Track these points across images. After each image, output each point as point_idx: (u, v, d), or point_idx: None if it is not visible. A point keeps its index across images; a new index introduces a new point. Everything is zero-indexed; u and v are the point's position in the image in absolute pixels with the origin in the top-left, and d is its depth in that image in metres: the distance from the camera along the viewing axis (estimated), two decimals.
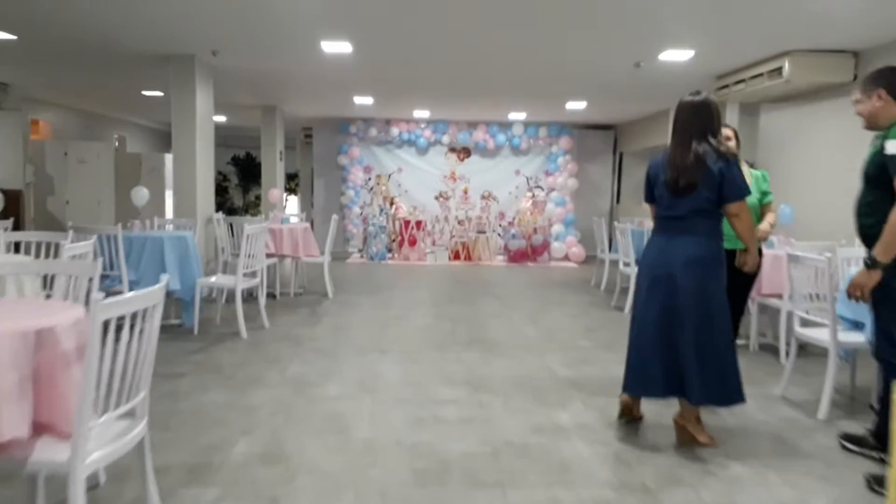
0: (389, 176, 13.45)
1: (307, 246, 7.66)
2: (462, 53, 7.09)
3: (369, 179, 13.24)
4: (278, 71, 8.15)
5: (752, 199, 3.84)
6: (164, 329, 5.66)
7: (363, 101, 10.63)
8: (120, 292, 5.18)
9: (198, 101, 7.32)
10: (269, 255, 7.31)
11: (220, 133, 16.97)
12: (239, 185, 16.69)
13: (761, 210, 3.93)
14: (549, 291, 8.67)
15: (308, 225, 7.94)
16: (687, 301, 3.21)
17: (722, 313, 3.24)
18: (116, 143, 13.55)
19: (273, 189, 8.34)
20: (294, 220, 8.89)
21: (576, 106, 10.81)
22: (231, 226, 7.35)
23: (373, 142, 13.36)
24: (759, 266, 3.49)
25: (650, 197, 3.51)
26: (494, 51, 6.95)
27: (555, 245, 12.18)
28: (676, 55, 6.69)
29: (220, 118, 13.91)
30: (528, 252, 11.87)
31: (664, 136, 11.52)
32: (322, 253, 7.78)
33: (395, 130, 13.07)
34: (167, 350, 4.95)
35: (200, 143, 7.45)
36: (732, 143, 3.92)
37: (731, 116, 8.61)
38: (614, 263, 8.61)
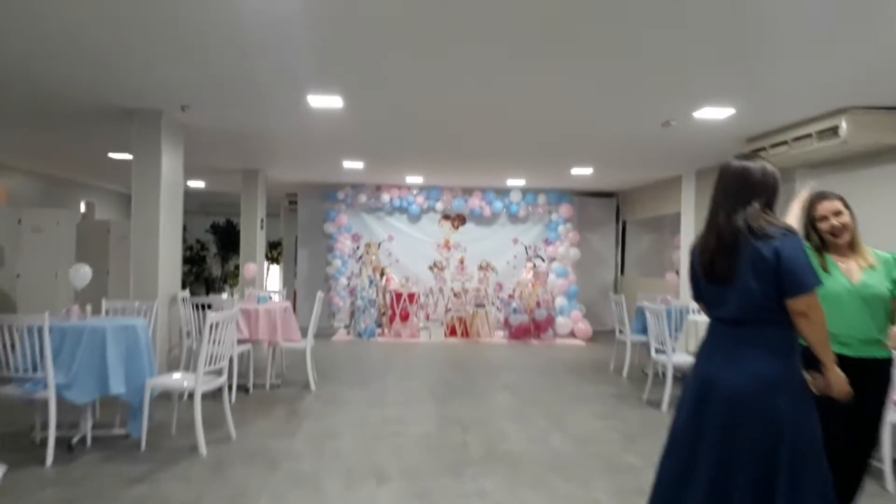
0: (379, 244, 12.52)
1: (287, 329, 6.60)
2: (462, 114, 6.29)
3: (357, 248, 12.30)
4: (259, 130, 7.28)
5: (881, 288, 2.89)
6: (105, 443, 4.53)
7: (353, 165, 9.79)
8: (45, 399, 4.08)
9: (164, 163, 6.39)
10: (241, 341, 6.25)
11: (200, 199, 16.15)
12: (218, 254, 15.67)
13: (893, 305, 2.94)
14: (565, 378, 7.63)
15: (289, 304, 6.90)
16: (749, 445, 2.27)
17: (810, 467, 2.25)
18: (84, 210, 12.54)
19: (249, 264, 7.34)
20: (275, 297, 7.88)
21: (582, 172, 10.04)
22: (199, 307, 6.29)
23: (362, 208, 12.48)
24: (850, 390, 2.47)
25: (698, 292, 2.61)
26: (498, 112, 6.16)
27: (559, 320, 11.19)
28: (713, 113, 5.91)
29: (199, 183, 13.02)
30: (530, 328, 10.87)
31: (670, 205, 10.76)
32: (305, 336, 6.72)
33: (385, 197, 12.22)
34: (101, 477, 3.82)
35: (166, 212, 6.48)
36: (845, 219, 2.98)
37: None
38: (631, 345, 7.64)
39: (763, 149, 6.86)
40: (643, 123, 6.48)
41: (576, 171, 9.99)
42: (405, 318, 10.87)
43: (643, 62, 4.59)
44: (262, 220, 11.03)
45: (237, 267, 15.24)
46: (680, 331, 6.79)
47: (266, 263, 15.78)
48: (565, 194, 12.47)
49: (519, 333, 10.80)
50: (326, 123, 6.70)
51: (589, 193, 12.96)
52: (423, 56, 4.62)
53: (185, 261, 15.36)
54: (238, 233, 15.69)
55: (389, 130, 7.20)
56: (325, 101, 5.81)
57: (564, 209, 12.34)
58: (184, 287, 7.11)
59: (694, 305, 6.83)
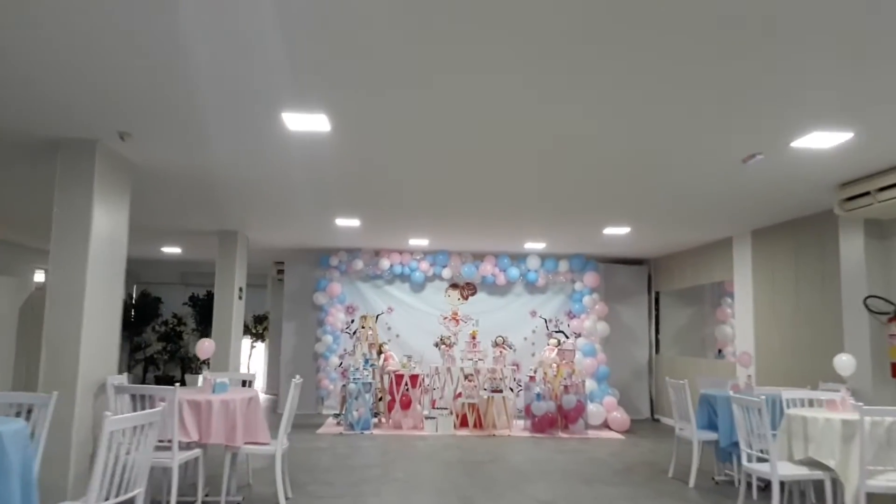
0: (377, 317, 10.91)
1: (251, 427, 4.94)
2: (474, 161, 4.85)
3: (352, 322, 10.67)
4: (228, 169, 5.83)
5: None
6: None
7: (348, 223, 8.32)
8: None
9: (96, 209, 4.88)
10: (189, 445, 4.59)
11: (178, 269, 14.67)
12: (196, 329, 14.02)
13: None
14: (615, 490, 5.86)
15: (255, 394, 5.24)
16: None
17: None
18: (41, 280, 11.00)
19: (205, 340, 5.72)
20: (256, 384, 6.25)
21: (616, 231, 8.56)
22: (140, 398, 4.66)
23: (358, 276, 10.94)
24: None
25: None
26: (522, 151, 4.72)
27: (590, 408, 9.44)
28: (821, 140, 4.45)
29: (175, 249, 11.54)
30: (557, 418, 9.11)
31: (715, 272, 9.24)
32: (277, 436, 5.05)
33: (385, 263, 10.71)
34: None
35: (96, 274, 4.92)
36: None
37: (848, 240, 6.32)
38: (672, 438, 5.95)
39: (864, 194, 5.39)
40: (718, 158, 5.02)
41: (610, 230, 8.51)
42: (407, 405, 9.13)
43: (739, 68, 3.16)
44: (240, 290, 9.47)
45: None
46: (774, 428, 5.11)
47: (250, 341, 14.11)
48: (590, 261, 10.96)
49: (543, 425, 9.04)
50: (310, 156, 5.25)
51: (617, 260, 11.45)
52: (422, 86, 3.21)
53: (161, 337, 13.68)
54: None
55: (388, 172, 5.74)
56: (306, 122, 4.37)
57: (589, 277, 10.79)
58: (150, 369, 5.44)
59: (793, 394, 5.18)
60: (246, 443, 4.87)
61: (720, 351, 10.13)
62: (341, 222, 8.28)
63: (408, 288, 11.05)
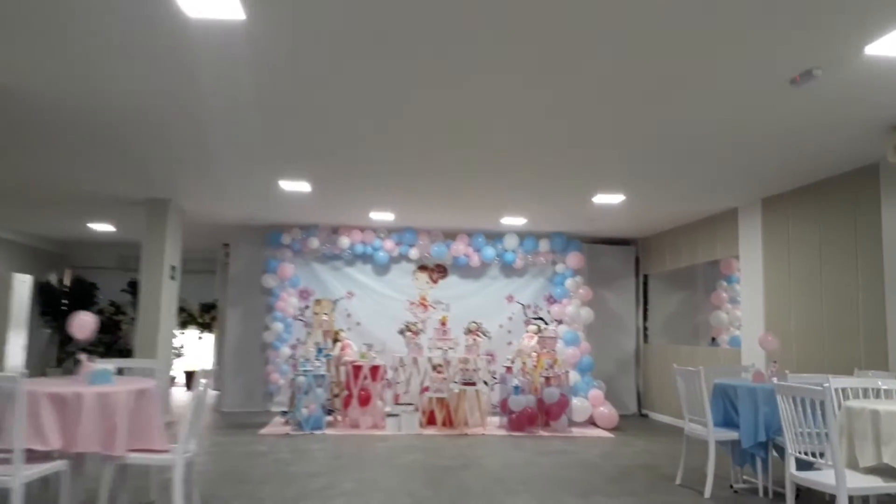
0: (335, 303, 9.65)
1: (139, 430, 3.70)
2: (445, 100, 3.66)
3: (306, 308, 9.42)
4: (122, 98, 4.56)
5: None
6: None
7: (296, 188, 7.08)
8: None
9: None
10: (51, 454, 3.35)
11: (115, 251, 13.17)
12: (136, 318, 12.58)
13: None
14: (617, 502, 4.73)
15: (150, 386, 3.97)
16: None
17: None
18: None
19: (80, 315, 4.39)
20: (161, 373, 5.02)
21: (607, 200, 7.45)
22: None
23: (314, 257, 9.69)
24: None
25: None
26: (499, 84, 3.54)
27: (575, 403, 8.33)
28: None
29: (106, 227, 10.16)
30: (537, 414, 7.98)
31: (711, 250, 8.23)
32: (181, 442, 3.81)
33: (344, 241, 9.47)
34: None
35: None
36: None
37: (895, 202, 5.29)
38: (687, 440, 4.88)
39: None
40: (755, 78, 3.90)
41: (601, 199, 7.40)
42: (365, 400, 7.92)
43: None
44: (172, 268, 8.16)
45: None
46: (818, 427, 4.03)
47: (197, 332, 12.76)
48: (573, 240, 9.86)
49: (522, 422, 7.90)
50: (224, 68, 4.02)
51: (602, 241, 10.37)
52: None
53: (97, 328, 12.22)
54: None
55: (333, 100, 4.53)
56: (211, 5, 3.14)
57: (572, 258, 9.69)
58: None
59: (844, 382, 4.09)
60: (132, 450, 3.62)
61: (714, 339, 9.10)
62: (288, 186, 7.04)
63: (370, 270, 9.84)
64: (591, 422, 8.52)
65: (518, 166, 6.17)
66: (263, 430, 7.65)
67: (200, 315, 12.76)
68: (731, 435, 5.01)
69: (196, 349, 12.91)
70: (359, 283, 9.76)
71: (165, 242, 7.89)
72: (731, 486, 5.17)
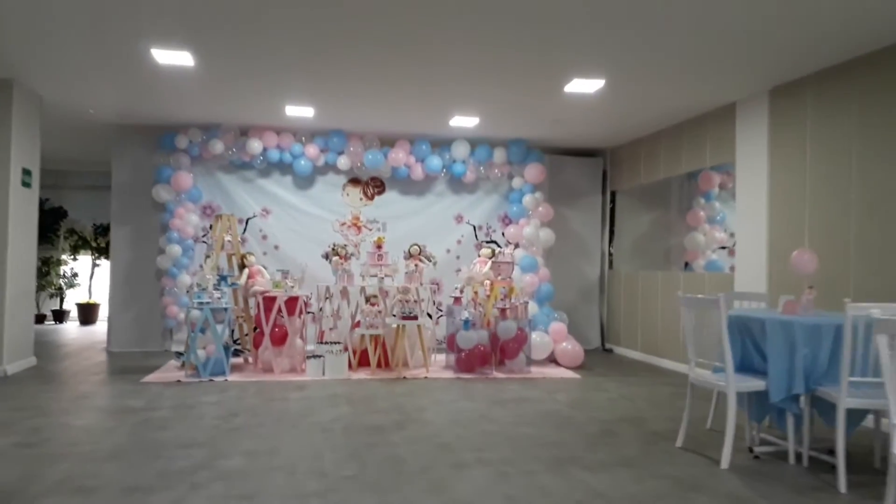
0: (247, 222, 7.99)
1: None
2: None
3: (211, 227, 7.71)
4: None
5: None
6: None
7: (172, 59, 5.27)
8: None
9: None
10: None
11: None
12: None
13: None
14: (612, 482, 3.41)
15: None
16: None
17: None
18: None
19: None
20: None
21: (583, 88, 5.93)
22: None
23: (218, 165, 7.92)
24: None
25: None
26: None
27: (534, 338, 7.02)
28: None
29: None
30: (490, 353, 6.64)
31: (698, 157, 6.91)
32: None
33: (255, 145, 7.71)
34: None
35: None
36: None
37: None
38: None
39: None
40: None
41: (576, 86, 5.87)
42: (280, 339, 6.40)
43: None
44: (24, 172, 6.29)
45: (46, 261, 10.32)
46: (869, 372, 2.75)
47: (91, 258, 10.87)
48: (533, 150, 8.37)
49: (472, 361, 6.55)
50: None
51: (565, 151, 8.92)
52: None
53: None
54: (48, 212, 10.75)
55: None
56: None
57: (532, 171, 8.23)
58: None
59: None
60: None
61: (687, 264, 7.90)
62: (163, 58, 5.22)
63: (290, 182, 8.15)
64: (552, 360, 7.27)
65: (475, 43, 4.57)
66: (149, 377, 6.06)
67: (95, 238, 10.83)
68: (756, 384, 3.72)
69: (94, 278, 11.02)
70: (276, 199, 8.07)
71: (11, 137, 5.98)
72: (751, 450, 3.92)
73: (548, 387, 6.03)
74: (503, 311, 6.69)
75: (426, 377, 6.36)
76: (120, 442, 3.92)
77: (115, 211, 7.84)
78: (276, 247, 8.03)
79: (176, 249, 7.53)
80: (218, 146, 7.59)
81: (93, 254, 10.86)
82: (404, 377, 6.32)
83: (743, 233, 6.28)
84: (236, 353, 6.97)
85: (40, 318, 10.62)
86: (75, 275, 11.00)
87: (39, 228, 10.52)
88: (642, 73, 5.57)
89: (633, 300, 8.20)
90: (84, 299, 10.74)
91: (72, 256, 10.98)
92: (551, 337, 7.25)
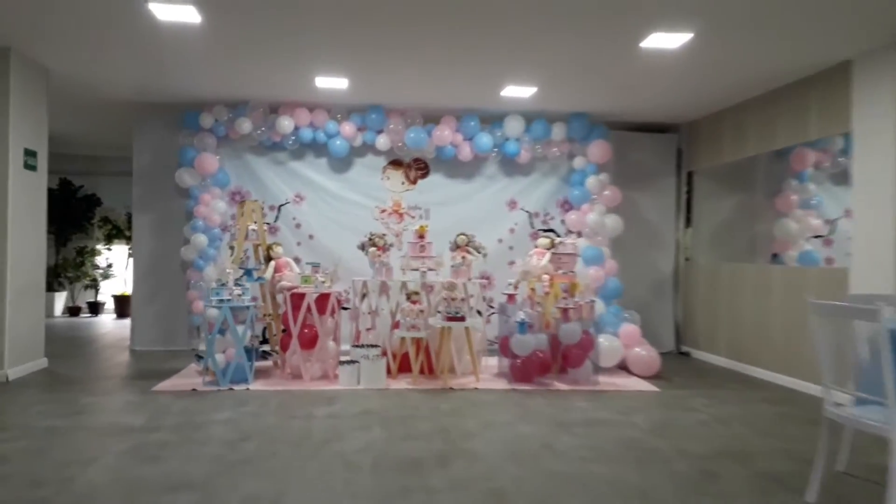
0: (279, 209, 7.25)
1: None
2: None
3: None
4: None
5: None
6: None
7: (173, 13, 4.48)
8: None
9: None
10: None
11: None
12: (50, 231, 10.14)
13: None
14: None
15: None
16: None
17: None
18: None
19: None
20: None
21: (665, 42, 4.90)
22: None
23: (247, 146, 7.19)
24: None
25: None
26: None
27: (601, 342, 6.04)
28: None
29: None
30: (550, 359, 5.70)
31: (802, 128, 5.76)
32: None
33: (286, 124, 6.93)
34: None
35: None
36: None
37: None
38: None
39: None
40: None
41: (656, 40, 4.85)
42: (309, 342, 5.61)
43: None
44: (27, 153, 5.65)
45: (81, 251, 9.84)
46: None
47: (127, 248, 10.36)
48: (598, 125, 7.34)
49: (530, 370, 5.63)
50: None
51: (635, 127, 7.85)
52: None
53: None
54: (85, 199, 10.28)
55: None
56: None
57: (596, 150, 7.21)
58: None
59: None
60: None
61: (776, 255, 6.76)
62: (163, 11, 4.44)
63: (325, 165, 7.35)
64: (624, 367, 6.28)
65: None
66: (163, 384, 5.36)
67: (128, 227, 10.31)
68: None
69: (129, 269, 10.52)
70: (310, 183, 7.29)
71: (9, 114, 5.34)
72: None
73: (621, 403, 5.06)
74: (565, 311, 5.73)
75: (475, 388, 5.48)
76: (94, 481, 3.17)
77: (136, 197, 7.20)
78: (311, 236, 7.26)
79: (201, 239, 6.84)
80: (245, 125, 6.84)
81: (127, 243, 10.36)
82: (450, 387, 5.45)
83: (862, 219, 5.15)
84: (265, 356, 6.23)
85: (75, 311, 10.18)
86: (110, 265, 10.53)
87: (74, 217, 10.20)
88: (738, 26, 4.52)
89: (715, 297, 7.12)
90: (119, 291, 10.25)
91: (106, 246, 10.50)
92: (622, 341, 6.26)
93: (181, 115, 6.96)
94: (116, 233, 10.37)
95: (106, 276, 10.55)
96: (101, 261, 10.51)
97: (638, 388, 5.62)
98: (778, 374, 5.96)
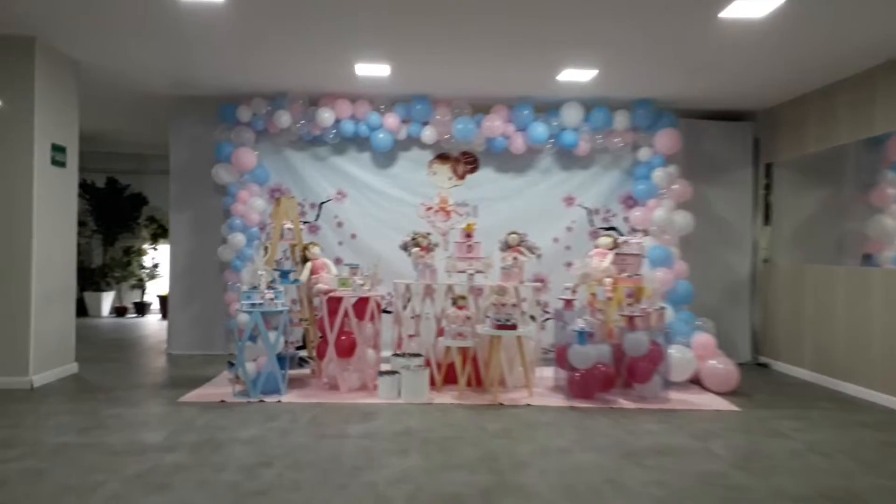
0: (320, 207, 6.86)
1: None
2: None
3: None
4: None
5: None
6: None
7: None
8: None
9: None
10: None
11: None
12: (97, 231, 10.08)
13: None
14: None
15: None
16: None
17: None
18: None
19: None
20: None
21: (746, 11, 4.24)
22: None
23: (286, 140, 6.81)
24: None
25: None
26: None
27: (673, 354, 5.38)
28: None
29: None
30: (613, 373, 5.08)
31: (875, 121, 4.94)
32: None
33: (326, 116, 6.52)
34: None
35: None
36: None
37: None
38: None
39: None
40: None
41: (737, 9, 4.20)
42: (347, 350, 5.16)
43: None
44: (56, 149, 5.39)
45: (128, 251, 9.73)
46: None
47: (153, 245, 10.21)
48: (666, 113, 6.67)
49: (590, 385, 5.03)
50: None
51: (706, 114, 7.13)
52: None
53: None
54: (132, 198, 10.17)
55: None
56: None
57: (664, 140, 6.55)
58: None
59: None
60: None
61: (868, 256, 5.94)
62: None
63: (368, 160, 6.91)
64: (697, 381, 5.61)
65: None
66: (192, 394, 5.01)
67: (149, 224, 10.18)
68: None
69: None
70: (352, 179, 6.87)
71: (34, 108, 5.08)
72: None
73: (696, 425, 4.42)
74: (631, 318, 5.11)
75: (528, 404, 4.92)
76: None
77: (174, 195, 6.93)
78: (353, 235, 6.84)
79: (239, 239, 6.50)
80: (284, 118, 6.47)
81: (151, 238, 10.23)
82: (500, 403, 4.91)
83: None
84: (302, 363, 5.83)
85: (122, 311, 10.08)
86: (156, 265, 10.40)
87: (121, 216, 10.10)
88: None
89: (798, 302, 6.35)
90: (164, 291, 10.09)
91: (152, 245, 10.38)
92: (694, 352, 5.58)
93: (218, 109, 6.64)
94: (162, 232, 10.22)
95: (152, 276, 10.43)
96: (147, 260, 10.39)
97: (714, 407, 4.95)
98: (878, 393, 5.20)
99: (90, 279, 9.98)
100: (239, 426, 4.16)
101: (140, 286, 10.33)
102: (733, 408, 4.94)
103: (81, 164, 10.29)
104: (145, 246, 10.41)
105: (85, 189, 9.85)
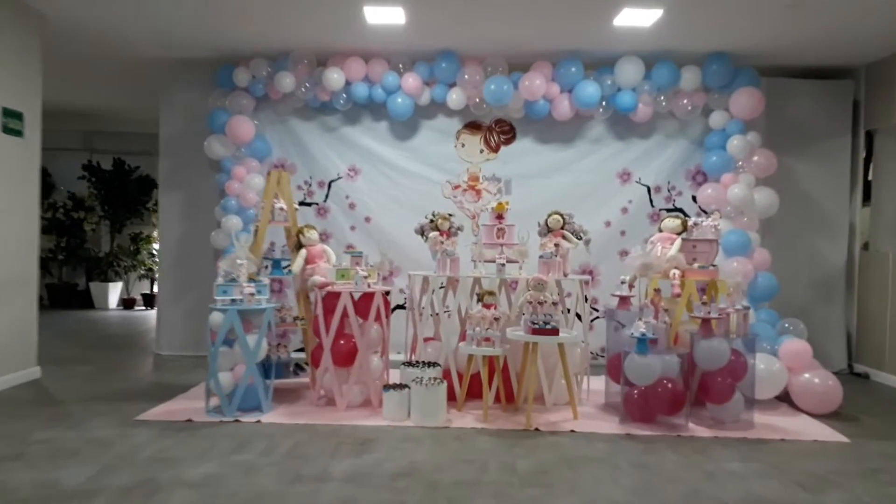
0: (329, 185, 5.89)
1: None
2: None
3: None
4: None
5: None
6: None
7: None
8: None
9: None
10: None
11: (79, 126, 9.58)
12: (104, 216, 9.36)
13: None
14: None
15: None
16: None
17: None
18: None
19: None
20: None
21: None
22: None
23: (290, 108, 5.86)
24: None
25: None
26: None
27: (759, 366, 4.22)
28: None
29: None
30: (683, 392, 3.95)
31: None
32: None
33: (335, 77, 5.52)
34: None
35: None
36: None
37: None
38: None
39: None
40: None
41: None
42: (346, 357, 4.17)
43: None
44: (6, 113, 4.54)
45: (136, 238, 9.00)
46: None
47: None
48: (745, 68, 5.45)
49: (652, 405, 3.92)
50: None
51: (793, 71, 5.87)
52: None
53: (50, 228, 9.02)
54: (139, 180, 9.41)
55: None
56: None
57: (742, 101, 5.35)
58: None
59: None
60: None
61: None
62: None
63: (385, 130, 5.90)
64: (788, 400, 4.44)
65: None
66: (158, 408, 4.11)
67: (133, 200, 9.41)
68: None
69: None
70: (366, 153, 5.87)
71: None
72: None
73: (795, 465, 3.29)
74: (705, 321, 3.97)
75: (572, 430, 3.84)
76: None
77: (163, 173, 6.07)
78: (367, 219, 5.85)
79: (234, 222, 5.58)
80: (287, 81, 5.50)
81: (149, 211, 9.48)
82: (536, 428, 3.85)
83: None
84: (299, 370, 4.90)
85: (129, 303, 9.36)
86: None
87: (128, 201, 9.35)
88: None
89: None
90: None
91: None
92: (783, 362, 4.41)
93: (215, 73, 5.72)
94: None
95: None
96: (156, 248, 9.64)
97: (814, 436, 3.80)
98: None
99: (96, 268, 9.28)
100: (195, 459, 3.22)
101: (149, 276, 9.59)
102: (840, 437, 3.77)
103: (88, 144, 9.73)
104: (155, 233, 9.65)
105: (91, 172, 9.15)
